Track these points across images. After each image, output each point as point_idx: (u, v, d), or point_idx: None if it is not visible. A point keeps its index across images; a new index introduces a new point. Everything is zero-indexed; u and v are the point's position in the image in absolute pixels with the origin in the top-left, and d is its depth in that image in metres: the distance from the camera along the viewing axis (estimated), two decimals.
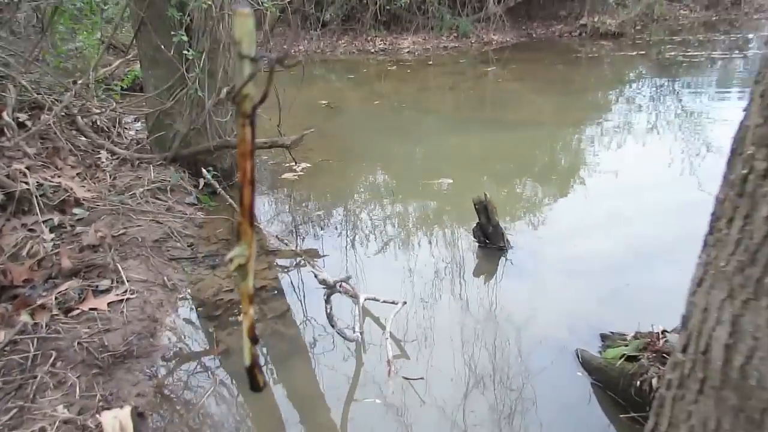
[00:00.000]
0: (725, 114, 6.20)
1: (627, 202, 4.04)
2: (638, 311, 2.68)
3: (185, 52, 4.17)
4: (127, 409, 1.11)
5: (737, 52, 10.19)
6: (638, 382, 2.06)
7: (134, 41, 4.67)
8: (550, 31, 12.94)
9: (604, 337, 2.58)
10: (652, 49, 10.78)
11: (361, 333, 2.62)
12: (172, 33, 4.13)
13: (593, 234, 3.66)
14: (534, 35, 12.88)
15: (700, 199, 3.95)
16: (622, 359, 2.20)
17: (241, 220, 0.67)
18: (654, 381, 1.99)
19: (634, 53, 10.54)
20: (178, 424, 2.20)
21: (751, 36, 11.79)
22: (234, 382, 2.44)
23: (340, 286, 2.61)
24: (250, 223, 0.67)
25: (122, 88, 5.90)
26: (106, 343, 2.55)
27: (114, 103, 5.13)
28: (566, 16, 13.26)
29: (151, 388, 2.36)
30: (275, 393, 2.39)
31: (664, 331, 2.24)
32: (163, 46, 4.23)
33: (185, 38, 4.13)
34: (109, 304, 2.80)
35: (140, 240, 3.46)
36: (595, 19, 12.26)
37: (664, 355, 2.09)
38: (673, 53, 10.21)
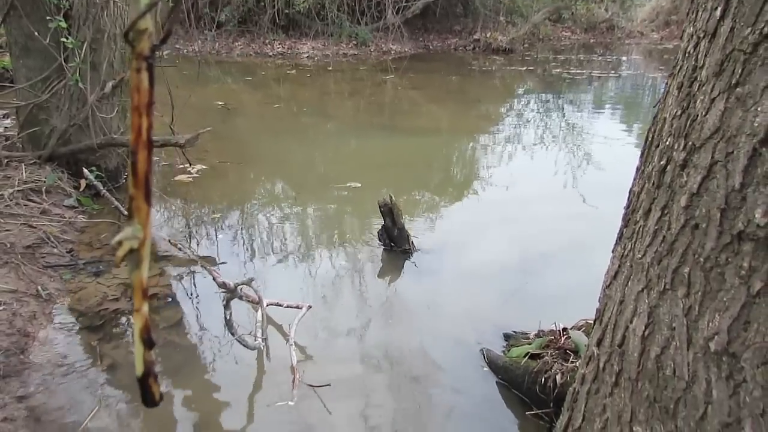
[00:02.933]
0: (602, 130, 6.68)
1: (519, 210, 4.20)
2: (537, 311, 2.76)
3: (64, 39, 3.80)
4: None
5: (612, 72, 11.07)
6: (542, 379, 2.10)
7: (2, 27, 4.18)
8: (446, 44, 13.37)
9: (507, 336, 2.63)
10: (539, 66, 11.44)
11: (264, 339, 2.47)
12: (48, 18, 3.74)
13: (490, 239, 3.75)
14: (431, 47, 13.23)
15: (584, 210, 4.21)
16: (526, 357, 2.24)
17: (134, 193, 0.53)
18: (558, 377, 2.04)
19: (523, 68, 11.13)
20: None
21: (623, 59, 12.88)
22: (121, 399, 2.20)
23: (241, 290, 2.44)
24: (146, 198, 0.53)
25: None
26: None
27: None
28: (461, 31, 13.77)
29: (21, 412, 2.07)
30: (169, 409, 2.18)
31: (565, 329, 2.30)
32: (37, 33, 3.82)
33: (64, 25, 3.76)
34: None
35: (8, 246, 3.07)
36: (488, 35, 12.83)
37: (567, 351, 2.15)
38: (557, 70, 10.90)
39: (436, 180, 5.03)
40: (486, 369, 2.45)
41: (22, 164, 3.96)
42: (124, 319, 2.67)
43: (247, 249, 3.53)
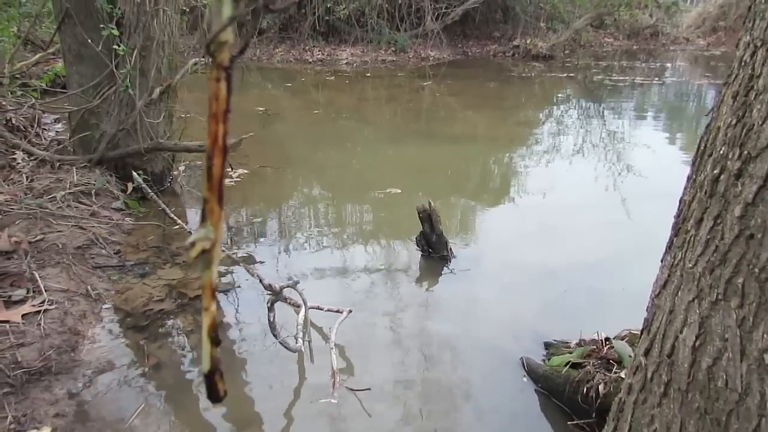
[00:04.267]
0: (644, 138, 6.54)
1: (558, 218, 4.14)
2: (577, 320, 2.72)
3: (115, 47, 3.94)
4: (46, 430, 0.96)
5: (656, 79, 10.83)
6: (585, 389, 2.07)
7: (57, 34, 4.37)
8: (485, 51, 13.31)
9: (547, 345, 2.60)
10: (580, 73, 11.27)
11: (309, 341, 2.51)
12: (101, 26, 3.89)
13: (528, 246, 3.71)
14: (469, 54, 13.20)
15: (625, 219, 4.13)
16: (567, 366, 2.21)
17: (208, 196, 0.56)
18: (600, 387, 2.01)
19: (564, 75, 10.99)
20: None
21: (668, 65, 12.59)
22: (166, 398, 2.26)
23: (287, 292, 2.48)
24: (219, 201, 0.56)
25: (42, 89, 5.51)
26: (19, 359, 2.31)
27: (33, 100, 4.77)
28: (500, 37, 13.69)
29: (71, 408, 2.15)
30: (212, 409, 2.24)
31: (607, 339, 2.27)
32: (90, 41, 3.98)
33: (116, 32, 3.90)
34: (23, 315, 2.55)
35: (60, 247, 3.20)
36: (528, 42, 12.72)
37: (610, 361, 2.12)
38: (599, 77, 10.72)
39: (474, 187, 5.01)
40: (525, 378, 2.43)
41: (74, 167, 4.12)
42: (168, 320, 2.75)
43: (286, 252, 3.59)
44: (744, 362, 0.94)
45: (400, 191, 4.58)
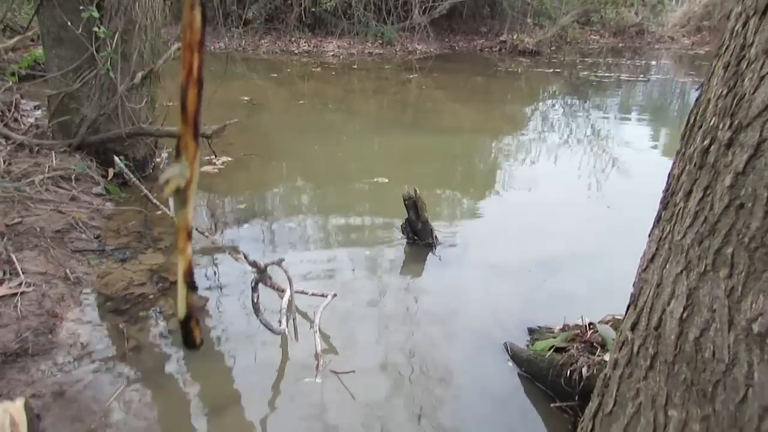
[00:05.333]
0: (628, 135, 6.58)
1: (542, 210, 4.14)
2: (560, 308, 2.73)
3: (96, 29, 3.86)
4: (20, 402, 0.93)
5: (641, 76, 10.92)
6: (568, 372, 2.07)
7: (35, 17, 4.27)
8: (472, 45, 13.32)
9: (531, 330, 2.60)
10: (566, 69, 11.32)
11: (293, 320, 2.49)
12: (81, 8, 3.80)
13: (512, 237, 3.71)
14: (456, 48, 13.19)
15: (607, 214, 4.15)
16: (551, 351, 2.21)
17: (183, 129, 0.53)
18: (584, 370, 2.01)
19: (550, 71, 11.03)
20: (80, 427, 1.96)
21: (653, 63, 12.70)
22: (146, 380, 2.22)
23: (270, 273, 2.45)
24: (194, 136, 0.54)
25: (20, 76, 5.39)
26: None
27: (10, 82, 4.66)
28: (487, 32, 13.70)
29: (48, 388, 2.10)
30: (190, 392, 2.20)
31: (591, 323, 2.27)
32: (69, 23, 3.89)
33: (96, 14, 3.82)
34: (0, 297, 2.50)
35: (38, 230, 3.13)
36: (514, 37, 12.75)
37: (594, 345, 2.12)
38: (584, 73, 10.78)
39: (460, 178, 5.01)
40: (510, 363, 2.43)
41: (52, 152, 4.04)
42: (149, 304, 2.71)
43: (271, 239, 3.55)
44: (732, 332, 0.94)
45: (387, 180, 4.56)
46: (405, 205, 3.34)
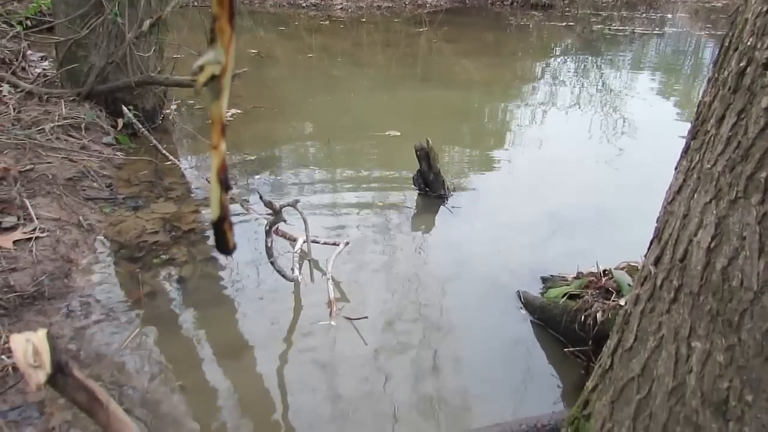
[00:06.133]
0: (641, 92, 6.44)
1: (552, 167, 4.07)
2: (574, 257, 2.71)
3: None
4: (42, 332, 0.93)
5: (656, 30, 10.64)
6: (582, 317, 2.07)
7: None
8: None
9: (545, 279, 2.60)
10: (579, 23, 11.05)
11: (309, 260, 2.49)
12: None
13: (525, 189, 3.69)
14: (467, 1, 12.87)
15: (619, 164, 4.10)
16: (565, 297, 2.21)
17: (218, 12, 0.50)
18: (599, 315, 2.01)
19: (563, 24, 10.77)
20: (96, 368, 2.00)
21: (668, 16, 12.35)
22: (161, 323, 2.25)
23: (284, 219, 2.44)
24: (230, 20, 0.50)
25: (26, 26, 5.30)
26: (12, 283, 2.28)
27: (17, 29, 4.59)
28: None
29: (66, 331, 2.13)
30: (204, 337, 2.23)
31: (606, 270, 2.27)
32: None
33: None
34: (15, 242, 2.51)
35: (51, 177, 3.13)
36: None
37: (609, 290, 2.12)
38: (598, 27, 10.51)
39: (470, 133, 4.94)
40: (522, 310, 2.44)
41: (62, 101, 4.00)
42: (162, 251, 2.72)
43: (281, 190, 3.54)
44: (762, 259, 0.92)
45: (399, 134, 4.50)
46: (417, 156, 3.31)
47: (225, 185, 0.61)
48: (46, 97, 4.03)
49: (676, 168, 1.18)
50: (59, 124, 3.67)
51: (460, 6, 12.44)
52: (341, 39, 8.75)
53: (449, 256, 2.84)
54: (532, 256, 2.88)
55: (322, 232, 3.00)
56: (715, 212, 1.00)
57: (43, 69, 5.33)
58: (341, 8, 11.50)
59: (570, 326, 2.13)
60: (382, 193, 3.51)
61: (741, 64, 0.96)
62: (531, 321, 2.37)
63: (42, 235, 2.57)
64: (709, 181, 1.02)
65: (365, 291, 2.56)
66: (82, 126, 3.80)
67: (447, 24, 10.39)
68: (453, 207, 3.36)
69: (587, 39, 9.64)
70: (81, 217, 2.86)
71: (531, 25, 10.75)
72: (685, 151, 1.14)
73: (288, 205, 2.33)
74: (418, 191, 3.45)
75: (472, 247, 2.94)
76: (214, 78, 0.54)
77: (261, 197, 2.08)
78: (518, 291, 2.52)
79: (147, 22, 4.10)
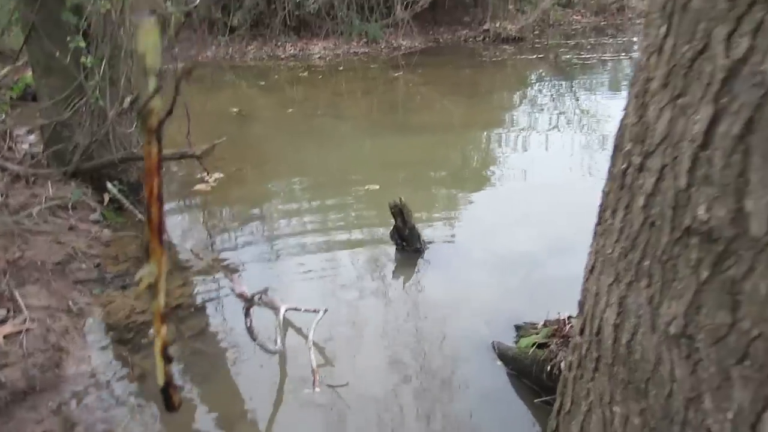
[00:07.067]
0: (617, 112, 6.65)
1: (531, 202, 4.22)
2: (548, 301, 2.82)
3: (83, 59, 3.96)
4: None
5: (624, 54, 10.98)
6: (549, 367, 2.19)
7: (24, 47, 4.38)
8: (456, 36, 13.35)
9: (518, 327, 2.72)
10: (550, 53, 11.38)
11: (283, 344, 2.60)
12: (68, 39, 3.90)
13: (502, 232, 3.81)
14: (441, 40, 13.23)
15: (595, 201, 4.24)
16: (534, 347, 2.33)
17: (150, 238, 0.66)
18: (562, 364, 2.12)
19: (534, 57, 11.09)
20: None
21: (635, 39, 12.74)
22: (152, 407, 2.34)
23: (259, 298, 2.58)
24: (159, 241, 0.67)
25: (12, 98, 5.52)
26: (2, 380, 2.37)
27: (3, 115, 4.78)
28: (470, 22, 13.72)
29: (58, 425, 2.22)
30: (198, 414, 2.32)
31: (569, 317, 2.39)
32: (58, 53, 4.00)
33: (83, 44, 3.92)
34: (5, 336, 2.61)
35: (40, 263, 3.25)
36: (497, 25, 12.77)
37: (570, 339, 2.23)
38: (568, 56, 10.84)
39: (451, 176, 5.11)
40: (498, 362, 2.55)
41: (48, 181, 4.15)
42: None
43: (265, 253, 3.67)
44: (655, 335, 1.05)
45: (377, 187, 4.65)
46: (392, 213, 3.45)
47: (167, 359, 0.76)
48: (33, 178, 4.18)
49: (590, 247, 1.32)
50: (47, 206, 3.82)
51: (434, 45, 12.80)
52: (320, 89, 9.00)
53: (426, 311, 2.96)
54: (508, 303, 3.00)
55: (304, 292, 3.12)
56: (617, 293, 1.13)
57: (30, 144, 5.50)
58: (319, 57, 11.81)
59: (540, 376, 2.24)
60: (361, 251, 3.64)
61: (623, 165, 1.11)
62: (507, 372, 2.48)
63: (32, 325, 2.67)
64: (610, 265, 1.15)
65: (347, 353, 2.67)
66: (69, 205, 3.94)
67: (423, 65, 10.69)
68: (431, 258, 3.49)
69: (560, 67, 9.95)
70: (71, 302, 2.97)
71: (504, 59, 11.08)
72: (594, 234, 1.28)
73: (258, 294, 2.47)
74: (395, 246, 3.59)
75: (449, 299, 3.06)
76: (150, 285, 0.71)
77: (233, 290, 2.22)
78: (493, 342, 2.64)
79: (128, 99, 4.28)
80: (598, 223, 1.26)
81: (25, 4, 4.02)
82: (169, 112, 0.60)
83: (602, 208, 1.24)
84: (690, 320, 0.98)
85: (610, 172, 1.23)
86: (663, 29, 1.00)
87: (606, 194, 1.22)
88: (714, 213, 0.91)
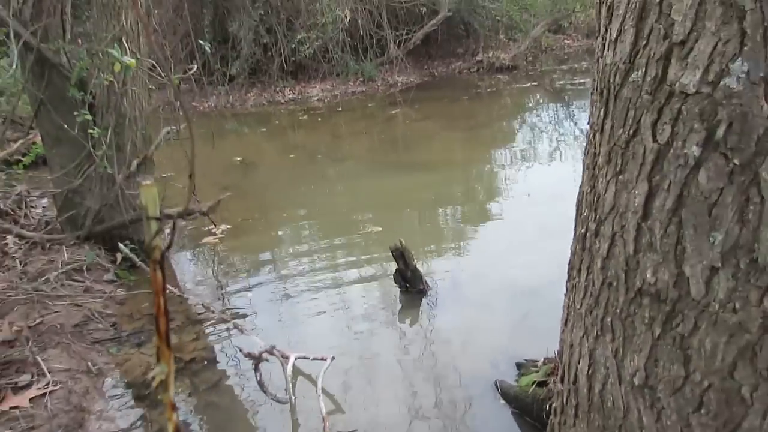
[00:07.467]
0: None
1: (536, 231, 4.33)
2: (549, 335, 2.90)
3: (90, 131, 4.16)
4: None
5: None
6: (548, 406, 2.27)
7: (34, 121, 4.60)
8: (451, 69, 13.65)
9: (519, 365, 2.80)
10: (545, 79, 11.62)
11: (293, 394, 2.70)
12: (75, 113, 4.11)
13: (505, 267, 3.91)
14: (436, 74, 13.53)
15: None
16: (534, 385, 2.41)
17: (159, 343, 0.79)
18: None
19: (528, 84, 11.33)
20: None
21: None
22: None
23: (267, 355, 2.69)
24: (167, 345, 0.80)
25: (25, 166, 5.73)
26: None
27: (18, 188, 4.98)
28: (463, 53, 14.04)
29: None
30: None
31: None
32: (66, 125, 4.20)
33: (89, 117, 4.13)
34: (31, 399, 2.73)
35: (59, 327, 3.38)
36: (490, 55, 13.07)
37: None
38: (562, 82, 11.06)
39: (454, 213, 5.24)
40: (501, 401, 2.63)
41: (63, 246, 4.32)
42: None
43: (274, 302, 3.78)
44: (622, 386, 1.15)
45: (380, 229, 4.78)
46: (393, 257, 3.57)
47: None
48: (48, 244, 4.35)
49: (564, 301, 1.43)
50: (63, 270, 3.97)
51: (430, 80, 13.09)
52: (320, 132, 9.23)
53: (431, 353, 3.06)
54: (511, 340, 3.09)
55: (313, 339, 3.23)
56: (587, 345, 1.24)
57: (43, 208, 5.70)
58: (318, 99, 12.10)
59: (540, 414, 2.32)
60: (367, 295, 3.75)
61: (582, 230, 1.23)
62: (511, 411, 2.56)
63: (55, 388, 2.80)
64: (580, 319, 1.26)
65: (356, 398, 2.76)
66: (84, 268, 4.09)
67: (420, 100, 10.94)
68: (435, 299, 3.60)
69: (555, 93, 10.16)
70: (89, 363, 3.09)
71: (499, 88, 11.31)
72: (566, 290, 1.39)
73: (266, 352, 2.59)
74: (399, 289, 3.69)
75: (453, 340, 3.16)
76: (162, 381, 0.84)
77: (240, 350, 2.34)
78: (495, 381, 2.72)
79: (134, 163, 4.47)
80: (569, 280, 1.37)
81: (33, 82, 4.25)
82: (168, 247, 0.74)
83: (570, 266, 1.35)
84: (650, 372, 1.08)
85: (574, 233, 1.35)
86: (602, 111, 1.13)
87: (572, 253, 1.34)
88: (659, 276, 1.02)
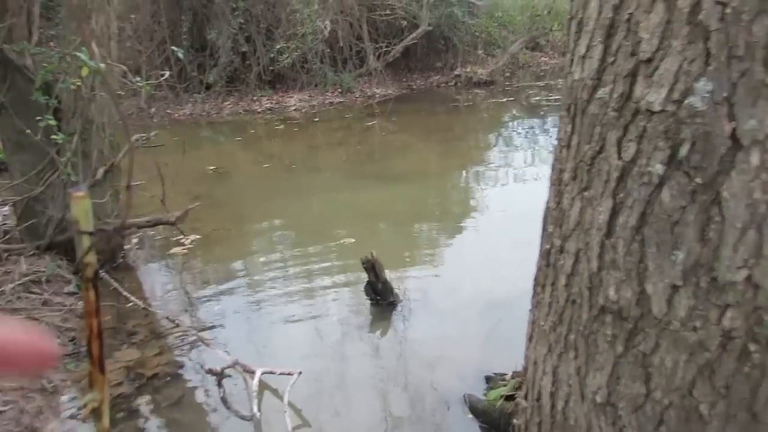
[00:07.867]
0: None
1: (507, 245, 4.32)
2: (519, 347, 2.89)
3: (54, 136, 4.04)
4: None
5: None
6: (515, 420, 2.23)
7: None
8: (429, 82, 13.72)
9: (488, 379, 2.77)
10: (521, 94, 11.75)
11: (259, 409, 2.63)
12: (38, 118, 3.99)
13: (475, 280, 3.90)
14: (414, 87, 13.58)
15: None
16: (502, 399, 2.38)
17: (92, 369, 0.74)
18: None
19: (505, 99, 11.44)
20: None
21: None
22: None
23: (229, 370, 2.62)
24: (101, 371, 0.74)
25: None
26: None
27: None
28: (442, 68, 14.13)
29: None
30: None
31: None
32: (28, 130, 4.07)
33: (53, 123, 4.00)
34: None
35: None
36: (468, 69, 13.18)
37: None
38: (538, 98, 11.19)
39: (428, 225, 5.22)
40: (470, 415, 2.59)
41: (22, 257, 4.17)
42: (127, 404, 2.83)
43: (245, 313, 3.70)
44: (584, 403, 1.13)
45: (353, 241, 4.73)
46: (364, 269, 3.52)
47: None
48: (5, 255, 4.19)
49: (528, 317, 1.40)
50: (20, 282, 3.82)
51: (408, 92, 13.13)
52: (297, 142, 9.16)
53: (401, 366, 3.01)
54: (480, 353, 3.06)
55: (282, 352, 3.16)
56: (550, 363, 1.21)
57: (3, 217, 5.51)
58: (295, 109, 12.04)
59: (507, 428, 2.28)
60: (338, 308, 3.69)
61: (547, 246, 1.21)
62: (479, 425, 2.53)
63: (5, 408, 2.67)
64: (544, 336, 1.24)
65: (323, 413, 2.70)
66: (43, 279, 3.95)
67: (397, 112, 10.96)
68: (405, 311, 3.55)
69: (531, 108, 10.28)
70: (45, 381, 2.97)
71: (476, 103, 11.41)
72: (531, 306, 1.37)
73: (228, 367, 2.52)
74: (370, 301, 3.65)
75: (423, 352, 3.12)
76: (94, 409, 0.79)
77: (202, 366, 2.27)
78: (464, 395, 2.69)
79: (101, 171, 4.36)
80: (534, 296, 1.34)
81: None
82: (102, 266, 0.69)
83: (535, 282, 1.33)
84: (612, 390, 1.06)
85: (540, 249, 1.33)
86: (569, 127, 1.11)
87: (537, 270, 1.31)
88: (622, 294, 1.00)
